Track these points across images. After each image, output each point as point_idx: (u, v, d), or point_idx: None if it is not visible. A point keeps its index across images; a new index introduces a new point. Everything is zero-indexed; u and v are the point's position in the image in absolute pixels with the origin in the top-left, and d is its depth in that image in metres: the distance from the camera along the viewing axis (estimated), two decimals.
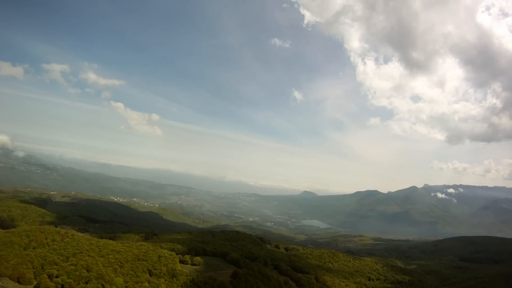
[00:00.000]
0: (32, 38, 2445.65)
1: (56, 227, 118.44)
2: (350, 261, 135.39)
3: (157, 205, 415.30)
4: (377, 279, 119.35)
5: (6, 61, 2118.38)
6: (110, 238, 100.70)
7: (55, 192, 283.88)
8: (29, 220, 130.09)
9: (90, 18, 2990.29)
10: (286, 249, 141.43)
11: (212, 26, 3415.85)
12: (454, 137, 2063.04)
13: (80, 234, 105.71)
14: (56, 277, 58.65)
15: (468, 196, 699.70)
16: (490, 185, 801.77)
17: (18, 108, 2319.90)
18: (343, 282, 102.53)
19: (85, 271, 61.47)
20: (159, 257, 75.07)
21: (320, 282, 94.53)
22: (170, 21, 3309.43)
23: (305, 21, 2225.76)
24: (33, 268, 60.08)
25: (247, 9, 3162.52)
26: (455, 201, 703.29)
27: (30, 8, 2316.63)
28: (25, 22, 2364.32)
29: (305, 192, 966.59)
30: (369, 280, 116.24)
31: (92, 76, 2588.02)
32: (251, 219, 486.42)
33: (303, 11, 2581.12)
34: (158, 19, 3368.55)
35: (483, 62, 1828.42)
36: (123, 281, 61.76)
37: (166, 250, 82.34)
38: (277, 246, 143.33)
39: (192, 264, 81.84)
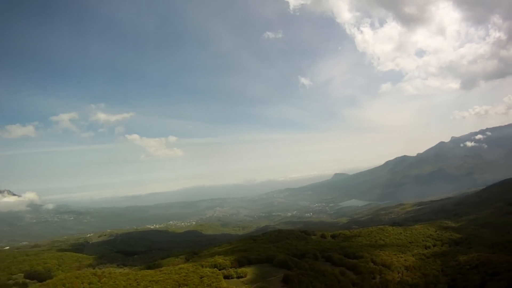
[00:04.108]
0: (32, 95, 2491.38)
1: (93, 268, 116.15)
2: (401, 233, 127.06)
3: (194, 223, 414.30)
4: (434, 245, 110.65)
5: (15, 123, 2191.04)
6: (149, 268, 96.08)
7: (91, 234, 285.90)
8: (65, 267, 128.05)
9: (83, 61, 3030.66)
10: (333, 237, 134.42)
11: (202, 38, 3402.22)
12: (468, 82, 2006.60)
13: (118, 271, 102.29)
14: None
15: (497, 138, 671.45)
16: None
17: (38, 164, 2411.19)
18: (401, 257, 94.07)
19: None
20: (201, 277, 69.57)
21: (377, 263, 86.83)
22: (160, 44, 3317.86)
23: (291, 7, 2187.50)
24: None
25: (231, 11, 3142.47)
26: (486, 146, 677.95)
27: (20, 66, 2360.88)
28: (20, 82, 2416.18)
29: (336, 174, 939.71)
30: (426, 248, 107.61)
31: (101, 116, 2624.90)
32: (289, 214, 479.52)
33: None
34: (148, 45, 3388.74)
35: None
36: None
37: (207, 268, 76.90)
38: (323, 236, 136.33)
39: (238, 277, 75.65)
